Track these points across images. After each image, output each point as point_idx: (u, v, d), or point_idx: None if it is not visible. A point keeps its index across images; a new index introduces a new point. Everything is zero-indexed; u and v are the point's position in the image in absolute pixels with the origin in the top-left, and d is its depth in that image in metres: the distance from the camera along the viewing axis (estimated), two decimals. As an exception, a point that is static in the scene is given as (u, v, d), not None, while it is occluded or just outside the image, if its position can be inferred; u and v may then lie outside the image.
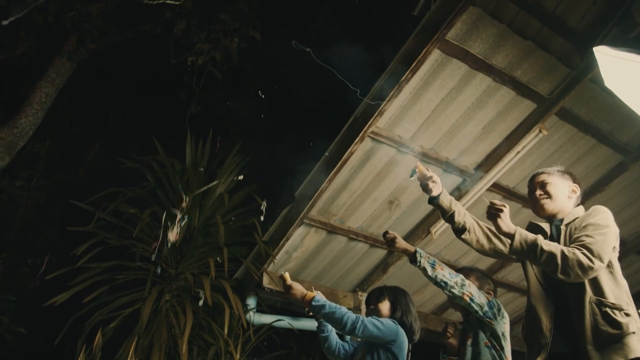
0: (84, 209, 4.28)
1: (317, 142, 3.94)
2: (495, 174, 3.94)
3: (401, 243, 2.72)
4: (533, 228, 2.51)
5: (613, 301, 2.03)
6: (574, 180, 2.53)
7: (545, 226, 2.45)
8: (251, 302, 4.70)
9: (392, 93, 3.31)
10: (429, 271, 2.57)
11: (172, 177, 4.52)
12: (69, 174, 6.52)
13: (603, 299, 2.03)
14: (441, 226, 4.31)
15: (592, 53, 2.55)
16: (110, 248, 4.21)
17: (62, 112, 6.23)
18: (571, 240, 2.16)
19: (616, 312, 2.00)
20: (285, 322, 4.64)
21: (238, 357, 3.92)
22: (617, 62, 2.50)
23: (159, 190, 4.49)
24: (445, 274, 2.57)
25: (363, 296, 5.00)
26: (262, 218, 4.24)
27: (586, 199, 4.29)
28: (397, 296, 3.01)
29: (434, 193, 2.46)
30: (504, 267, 5.01)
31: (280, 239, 4.26)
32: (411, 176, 2.52)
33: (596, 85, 3.53)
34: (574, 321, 2.07)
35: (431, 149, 3.91)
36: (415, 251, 2.61)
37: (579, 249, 2.04)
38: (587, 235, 2.09)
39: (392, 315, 2.94)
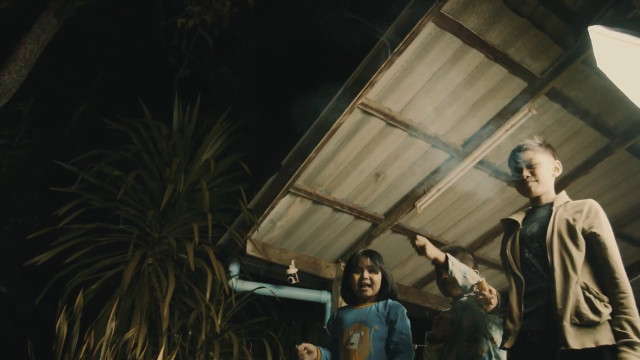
0: (67, 169, 4.23)
1: (306, 111, 3.90)
2: (483, 152, 3.94)
3: (432, 250, 2.57)
4: (509, 224, 2.54)
5: (598, 291, 2.11)
6: (555, 157, 2.53)
7: (518, 217, 2.49)
8: (234, 268, 4.73)
9: (383, 65, 3.27)
10: (460, 281, 2.54)
11: (159, 141, 4.48)
12: (54, 134, 6.42)
13: (590, 286, 2.12)
14: (426, 201, 4.34)
15: (586, 34, 2.52)
16: (94, 210, 4.18)
17: (48, 71, 6.09)
18: (588, 234, 2.20)
19: (598, 301, 2.08)
20: (267, 289, 4.68)
21: (219, 322, 3.95)
22: (611, 43, 2.47)
23: (145, 154, 4.45)
24: (472, 282, 2.54)
25: (345, 267, 5.05)
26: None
27: (570, 181, 4.33)
28: (384, 266, 2.96)
29: (490, 310, 2.40)
30: (485, 244, 5.07)
31: (265, 207, 4.26)
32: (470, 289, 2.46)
33: (588, 67, 3.51)
34: (555, 300, 2.13)
35: (420, 124, 3.90)
36: (447, 258, 2.55)
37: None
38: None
39: (383, 287, 2.90)
